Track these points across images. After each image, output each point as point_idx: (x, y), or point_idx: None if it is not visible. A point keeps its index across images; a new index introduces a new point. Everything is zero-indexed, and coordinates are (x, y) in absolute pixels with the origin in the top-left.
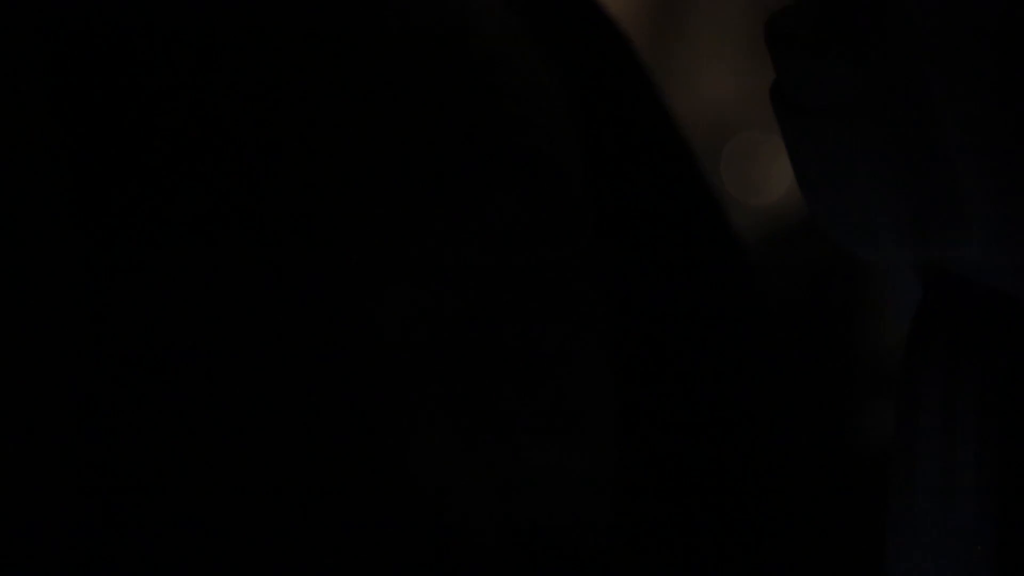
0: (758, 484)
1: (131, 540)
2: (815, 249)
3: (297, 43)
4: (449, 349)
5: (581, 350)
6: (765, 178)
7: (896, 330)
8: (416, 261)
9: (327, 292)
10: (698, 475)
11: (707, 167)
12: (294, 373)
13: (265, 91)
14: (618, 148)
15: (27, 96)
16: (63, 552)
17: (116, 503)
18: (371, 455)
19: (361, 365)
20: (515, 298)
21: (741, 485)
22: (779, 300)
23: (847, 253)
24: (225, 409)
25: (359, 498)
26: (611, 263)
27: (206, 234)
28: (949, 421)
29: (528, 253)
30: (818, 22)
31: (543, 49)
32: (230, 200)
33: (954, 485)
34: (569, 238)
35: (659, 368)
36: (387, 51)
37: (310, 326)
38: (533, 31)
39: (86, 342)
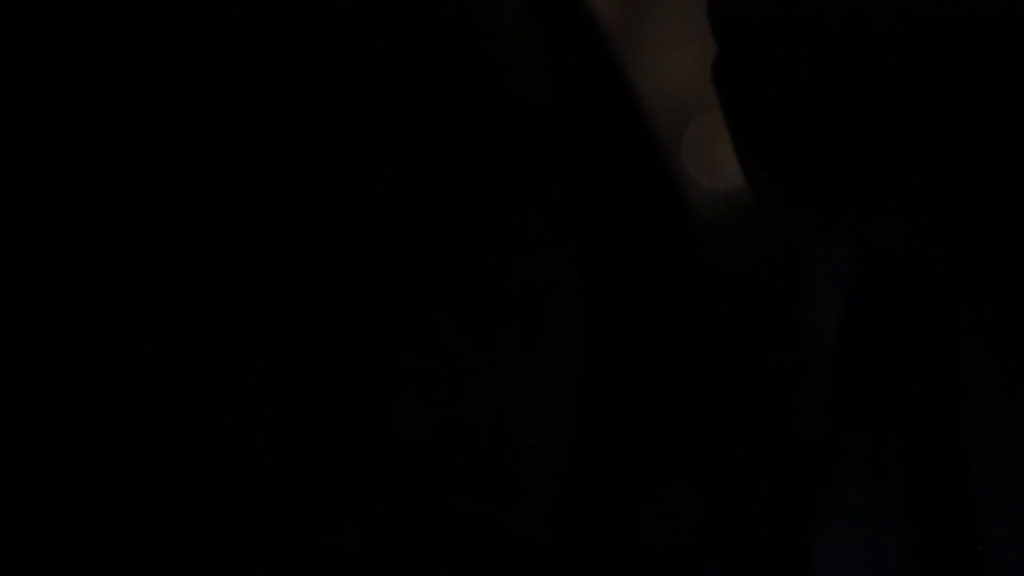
0: (712, 420)
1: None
2: (771, 233)
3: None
4: (430, 262)
5: (555, 286)
6: (725, 161)
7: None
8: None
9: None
10: (654, 408)
11: (669, 149)
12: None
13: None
14: (588, 107)
15: (23, 97)
16: (63, 552)
17: (115, 500)
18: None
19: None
20: (494, 230)
21: (694, 418)
22: (735, 276)
23: (794, 233)
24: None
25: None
26: (585, 211)
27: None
28: (878, 408)
29: (510, 190)
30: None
31: (527, 21)
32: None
33: (882, 482)
34: (548, 179)
35: (624, 315)
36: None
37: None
38: (521, 4)
39: (85, 341)
